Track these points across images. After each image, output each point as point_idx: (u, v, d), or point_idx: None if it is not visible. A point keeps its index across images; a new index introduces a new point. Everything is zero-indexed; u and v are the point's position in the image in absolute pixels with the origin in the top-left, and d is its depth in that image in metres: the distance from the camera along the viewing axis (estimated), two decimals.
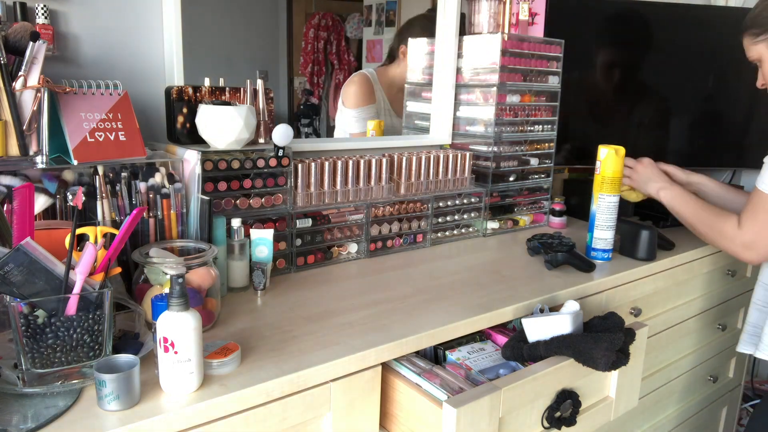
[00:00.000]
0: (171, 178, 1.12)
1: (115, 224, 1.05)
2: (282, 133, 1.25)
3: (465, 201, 1.64)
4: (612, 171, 1.43)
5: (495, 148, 1.67)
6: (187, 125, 1.24)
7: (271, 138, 1.27)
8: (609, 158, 1.43)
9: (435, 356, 1.14)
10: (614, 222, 1.45)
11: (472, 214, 1.67)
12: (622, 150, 1.44)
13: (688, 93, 2.08)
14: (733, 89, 2.06)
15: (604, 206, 1.44)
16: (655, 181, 1.50)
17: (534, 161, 1.79)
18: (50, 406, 0.76)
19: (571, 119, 1.95)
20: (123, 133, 1.08)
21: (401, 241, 1.52)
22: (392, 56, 2.22)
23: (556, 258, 1.38)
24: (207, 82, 1.26)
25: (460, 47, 1.74)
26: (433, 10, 1.81)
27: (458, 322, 1.08)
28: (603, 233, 1.45)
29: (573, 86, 1.87)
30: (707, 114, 2.13)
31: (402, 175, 1.55)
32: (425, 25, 2.00)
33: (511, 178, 1.75)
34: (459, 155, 1.65)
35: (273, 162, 1.27)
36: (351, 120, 2.12)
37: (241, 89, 1.30)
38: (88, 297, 0.81)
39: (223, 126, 1.18)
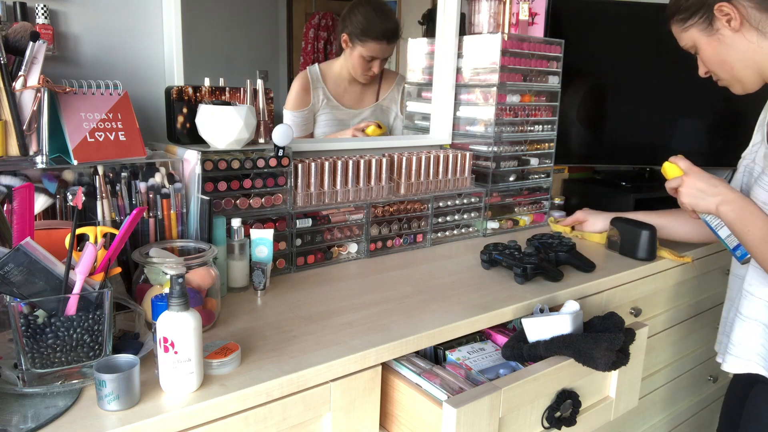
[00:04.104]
0: (171, 178, 1.12)
1: (115, 224, 1.05)
2: (282, 133, 1.25)
3: (465, 201, 1.64)
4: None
5: (495, 148, 1.67)
6: (187, 125, 1.24)
7: (271, 138, 1.27)
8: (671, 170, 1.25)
9: (435, 356, 1.14)
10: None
11: (472, 214, 1.67)
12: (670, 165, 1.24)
13: (689, 93, 2.08)
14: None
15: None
16: (711, 193, 1.14)
17: (534, 161, 1.79)
18: (50, 406, 0.76)
19: (573, 119, 1.95)
20: (123, 133, 1.08)
21: (401, 241, 1.52)
22: (340, 47, 2.04)
23: (526, 271, 1.27)
24: (207, 82, 1.26)
25: (460, 47, 1.74)
26: (433, 10, 1.81)
27: (458, 322, 1.08)
28: (725, 230, 1.24)
29: (574, 86, 1.87)
30: (709, 114, 2.12)
31: (402, 175, 1.55)
32: (367, 11, 1.89)
33: (511, 178, 1.75)
34: (459, 155, 1.65)
35: (273, 162, 1.27)
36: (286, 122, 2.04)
37: (241, 89, 1.30)
38: (88, 297, 0.81)
39: (223, 126, 1.18)
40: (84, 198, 0.98)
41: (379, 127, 1.82)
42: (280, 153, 1.28)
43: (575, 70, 1.87)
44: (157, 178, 1.10)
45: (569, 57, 1.77)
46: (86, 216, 1.04)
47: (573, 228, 1.71)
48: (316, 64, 2.09)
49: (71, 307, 0.80)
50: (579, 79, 1.94)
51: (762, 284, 1.15)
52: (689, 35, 1.18)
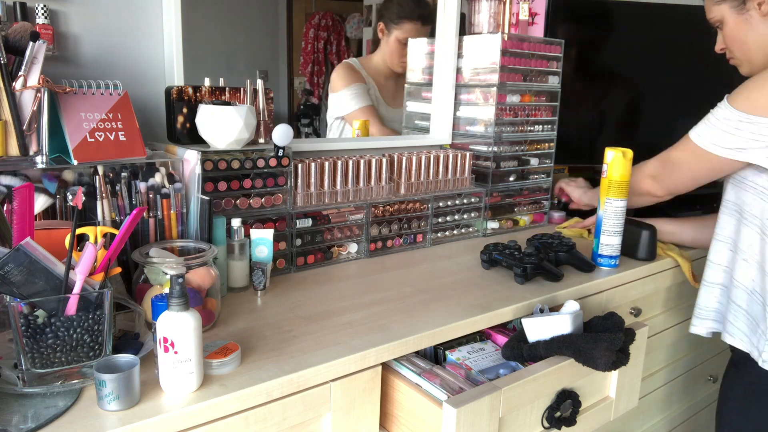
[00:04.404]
0: (171, 178, 1.12)
1: (115, 224, 1.05)
2: (282, 133, 1.25)
3: (465, 201, 1.64)
4: (619, 174, 1.36)
5: (495, 148, 1.67)
6: (187, 125, 1.24)
7: (271, 138, 1.27)
8: (616, 161, 1.36)
9: (435, 356, 1.14)
10: (621, 227, 1.40)
11: (472, 214, 1.67)
12: (629, 152, 1.37)
13: (691, 93, 2.08)
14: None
15: (611, 211, 1.38)
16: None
17: (534, 161, 1.79)
18: (50, 406, 0.76)
19: (573, 119, 1.94)
20: (123, 133, 1.08)
21: (401, 241, 1.52)
22: (377, 41, 2.13)
23: (526, 271, 1.28)
24: (207, 82, 1.26)
25: (460, 47, 1.74)
26: (433, 10, 1.81)
27: (458, 322, 1.08)
28: (610, 239, 1.39)
29: (574, 86, 1.87)
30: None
31: (402, 175, 1.55)
32: (403, 2, 1.99)
33: (511, 178, 1.75)
34: (459, 155, 1.65)
35: (273, 162, 1.27)
36: (346, 99, 2.01)
37: (241, 89, 1.30)
38: (88, 297, 0.81)
39: (223, 126, 1.18)
40: (84, 198, 0.98)
41: None
42: (280, 153, 1.28)
43: (577, 69, 1.87)
44: (157, 178, 1.10)
45: (571, 57, 1.77)
46: (86, 216, 1.04)
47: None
48: (354, 58, 2.13)
49: (71, 307, 0.80)
50: (580, 79, 1.94)
51: (720, 253, 1.34)
52: (720, 9, 1.27)
